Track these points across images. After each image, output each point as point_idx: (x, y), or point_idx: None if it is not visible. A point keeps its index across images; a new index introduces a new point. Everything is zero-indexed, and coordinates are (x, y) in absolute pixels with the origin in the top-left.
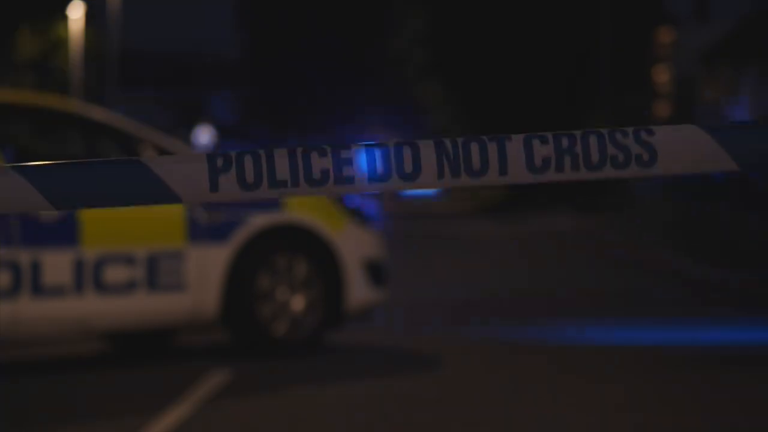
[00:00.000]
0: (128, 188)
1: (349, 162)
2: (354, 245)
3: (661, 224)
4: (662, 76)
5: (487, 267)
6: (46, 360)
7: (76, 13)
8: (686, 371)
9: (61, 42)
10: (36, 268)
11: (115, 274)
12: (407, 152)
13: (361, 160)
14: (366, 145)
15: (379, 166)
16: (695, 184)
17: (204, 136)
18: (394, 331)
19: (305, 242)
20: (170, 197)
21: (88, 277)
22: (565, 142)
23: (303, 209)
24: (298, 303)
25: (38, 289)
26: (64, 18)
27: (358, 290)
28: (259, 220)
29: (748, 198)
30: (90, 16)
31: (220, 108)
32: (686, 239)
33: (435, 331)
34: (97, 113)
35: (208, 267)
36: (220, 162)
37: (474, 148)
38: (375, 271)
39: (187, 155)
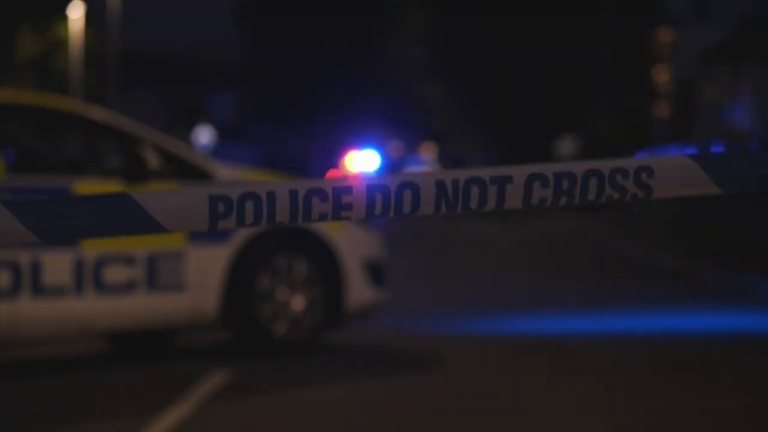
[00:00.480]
0: (124, 227)
1: (349, 207)
2: (354, 245)
3: (661, 224)
4: (662, 76)
5: (487, 267)
6: (46, 360)
7: (76, 13)
8: (687, 370)
9: (61, 42)
10: (36, 268)
11: (115, 274)
12: (407, 195)
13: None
14: (368, 186)
15: (378, 207)
16: None
17: (204, 136)
18: (395, 331)
19: (305, 242)
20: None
21: (88, 277)
22: (565, 184)
23: None
24: (298, 303)
25: (38, 289)
26: (64, 18)
27: (358, 290)
28: None
29: (747, 196)
30: (90, 16)
31: (220, 108)
32: (686, 239)
33: (435, 331)
34: (97, 113)
35: (208, 267)
36: (221, 208)
37: (474, 191)
38: (375, 271)
39: (188, 195)
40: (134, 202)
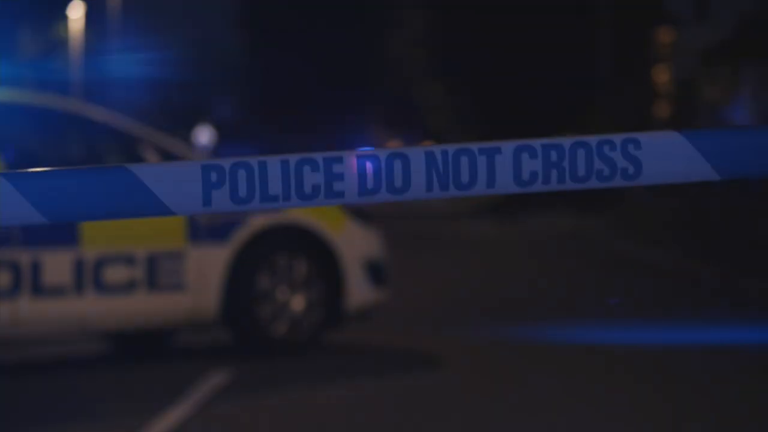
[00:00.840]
0: (119, 202)
1: (340, 177)
2: (354, 245)
3: (661, 223)
4: (662, 76)
5: (487, 267)
6: (46, 360)
7: (76, 13)
8: (687, 371)
9: (61, 42)
10: (36, 268)
11: (115, 274)
12: (398, 165)
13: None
14: (357, 157)
15: (370, 180)
16: (694, 182)
17: (204, 136)
18: (394, 331)
19: (305, 242)
20: (163, 211)
21: (88, 277)
22: (553, 155)
23: (303, 209)
24: (298, 303)
25: (38, 289)
26: (64, 18)
27: (358, 290)
28: (259, 221)
29: (748, 196)
30: (90, 16)
31: (220, 108)
32: (686, 239)
33: (435, 331)
34: (97, 113)
35: (208, 267)
36: (213, 177)
37: (464, 161)
38: (375, 271)
39: (181, 167)
40: (134, 176)
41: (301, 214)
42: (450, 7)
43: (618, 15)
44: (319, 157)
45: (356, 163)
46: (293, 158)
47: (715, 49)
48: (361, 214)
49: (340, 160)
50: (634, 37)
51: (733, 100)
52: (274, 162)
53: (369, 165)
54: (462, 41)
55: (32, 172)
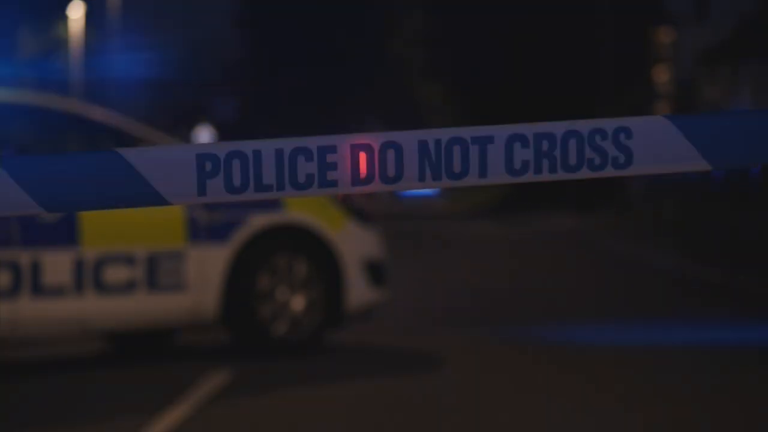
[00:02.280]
0: (113, 190)
1: (334, 166)
2: (354, 245)
3: (661, 224)
4: (662, 76)
5: (487, 267)
6: (46, 360)
7: (76, 13)
8: (686, 371)
9: (61, 42)
10: (36, 268)
11: (115, 274)
12: (391, 155)
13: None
14: (351, 146)
15: (363, 170)
16: (694, 183)
17: (204, 136)
18: (394, 331)
19: (305, 242)
20: (157, 200)
21: (88, 277)
22: (545, 145)
23: (303, 209)
24: (298, 303)
25: (38, 289)
26: (64, 18)
27: (358, 290)
28: (259, 220)
29: (747, 196)
30: (90, 16)
31: (220, 108)
32: (686, 239)
33: (435, 331)
34: (97, 113)
35: (208, 267)
36: (208, 166)
37: (456, 151)
38: (375, 271)
39: (176, 155)
40: (130, 165)
41: (300, 214)
42: (450, 7)
43: (618, 15)
44: (312, 146)
45: (350, 151)
46: (288, 147)
47: (715, 49)
48: (360, 214)
49: (333, 149)
50: (634, 37)
51: (733, 100)
52: (268, 152)
53: (363, 154)
54: (461, 42)
55: (22, 157)
